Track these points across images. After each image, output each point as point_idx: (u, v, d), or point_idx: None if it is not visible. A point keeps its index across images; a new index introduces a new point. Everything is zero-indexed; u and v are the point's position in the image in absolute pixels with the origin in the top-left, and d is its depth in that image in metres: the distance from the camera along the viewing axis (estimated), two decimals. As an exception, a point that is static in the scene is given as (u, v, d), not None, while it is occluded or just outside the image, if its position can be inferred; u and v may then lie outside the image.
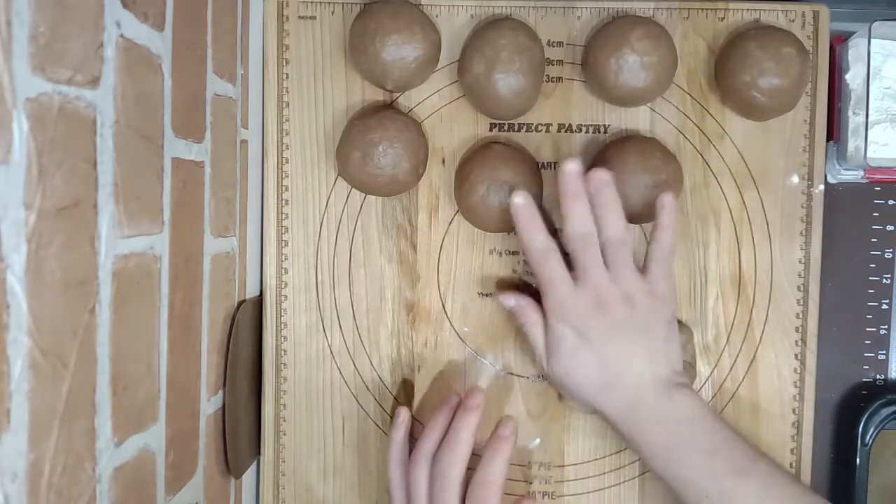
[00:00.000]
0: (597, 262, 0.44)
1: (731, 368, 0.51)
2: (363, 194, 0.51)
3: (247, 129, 0.49)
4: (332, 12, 0.51)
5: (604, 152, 0.49)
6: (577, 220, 0.44)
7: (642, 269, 0.45)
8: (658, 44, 0.46)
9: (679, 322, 0.50)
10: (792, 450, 0.51)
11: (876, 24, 0.47)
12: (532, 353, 0.48)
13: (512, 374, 0.51)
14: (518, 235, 0.45)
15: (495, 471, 0.44)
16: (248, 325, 0.49)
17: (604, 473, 0.51)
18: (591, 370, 0.44)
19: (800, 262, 0.50)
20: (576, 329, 0.44)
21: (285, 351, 0.51)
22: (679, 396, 0.43)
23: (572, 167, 0.44)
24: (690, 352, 0.49)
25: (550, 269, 0.44)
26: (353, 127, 0.47)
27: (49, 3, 0.26)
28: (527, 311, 0.47)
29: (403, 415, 0.48)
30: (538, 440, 0.51)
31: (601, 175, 0.44)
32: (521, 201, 0.45)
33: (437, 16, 0.50)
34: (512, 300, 0.48)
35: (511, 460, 0.46)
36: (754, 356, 0.51)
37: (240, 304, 0.48)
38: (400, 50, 0.46)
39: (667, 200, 0.44)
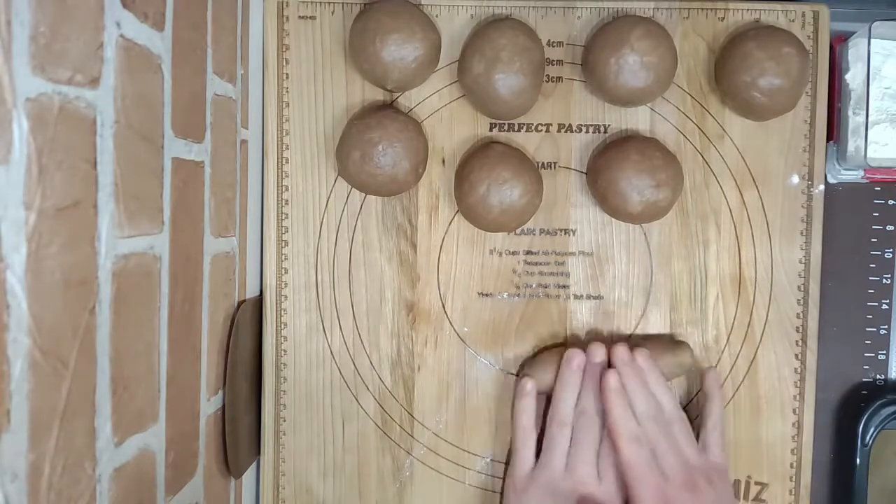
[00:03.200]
0: (671, 441, 0.45)
1: (732, 368, 0.51)
2: (363, 194, 0.51)
3: (247, 129, 0.49)
4: (332, 12, 0.51)
5: (604, 152, 0.49)
6: (645, 400, 0.45)
7: (701, 441, 0.47)
8: (658, 44, 0.46)
9: (674, 338, 0.50)
10: (792, 450, 0.51)
11: (876, 24, 0.47)
12: None
13: (511, 374, 0.51)
14: (609, 419, 0.45)
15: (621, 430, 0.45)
16: (248, 325, 0.49)
17: (604, 473, 0.51)
18: None
19: (800, 262, 0.50)
20: None
21: (285, 351, 0.51)
22: None
23: (624, 352, 0.47)
24: (687, 366, 0.49)
25: (645, 456, 0.44)
26: (353, 127, 0.47)
27: (49, 3, 0.26)
28: None
29: (531, 385, 0.48)
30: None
31: (643, 357, 0.47)
32: (615, 384, 0.46)
33: (437, 16, 0.50)
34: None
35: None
36: (754, 356, 0.51)
37: (240, 304, 0.48)
38: (400, 50, 0.46)
39: (709, 375, 0.48)
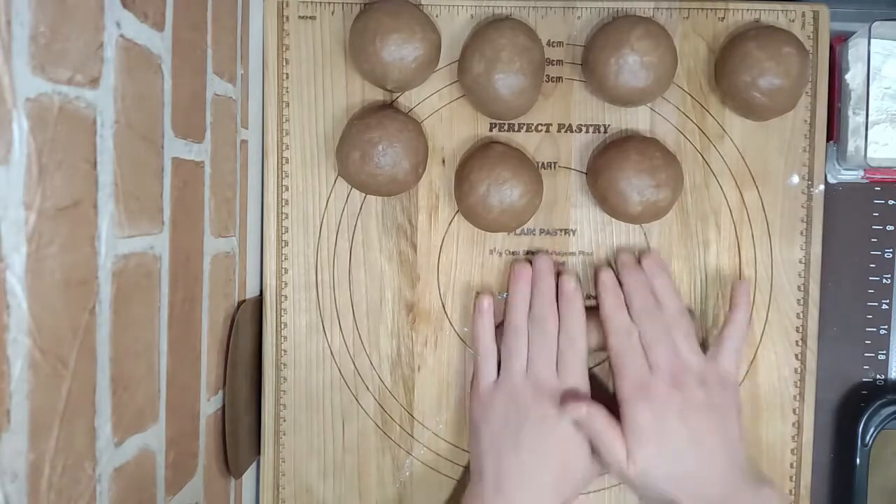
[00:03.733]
0: (667, 339, 0.45)
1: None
2: (363, 194, 0.51)
3: (247, 129, 0.49)
4: (332, 12, 0.51)
5: (604, 152, 0.49)
6: (642, 296, 0.46)
7: (712, 348, 0.46)
8: (658, 44, 0.46)
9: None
10: (792, 450, 0.51)
11: (876, 24, 0.47)
12: (607, 461, 0.44)
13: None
14: (602, 313, 0.47)
15: (575, 321, 0.46)
16: (248, 325, 0.49)
17: (604, 473, 0.51)
18: (678, 456, 0.43)
19: (800, 262, 0.50)
20: (656, 412, 0.43)
21: (285, 351, 0.51)
22: (767, 489, 0.43)
23: (627, 256, 0.49)
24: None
25: (631, 347, 0.45)
26: (353, 127, 0.47)
27: (49, 3, 0.26)
28: (600, 415, 0.44)
29: (487, 301, 0.49)
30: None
31: (652, 260, 0.48)
32: (608, 279, 0.47)
33: (437, 16, 0.50)
34: (584, 409, 0.44)
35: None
36: (754, 356, 0.51)
37: (240, 304, 0.48)
38: (400, 50, 0.46)
39: (740, 286, 0.48)
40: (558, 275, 0.48)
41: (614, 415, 0.44)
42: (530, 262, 0.49)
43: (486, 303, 0.49)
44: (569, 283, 0.48)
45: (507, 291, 0.49)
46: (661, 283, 0.47)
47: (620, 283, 0.48)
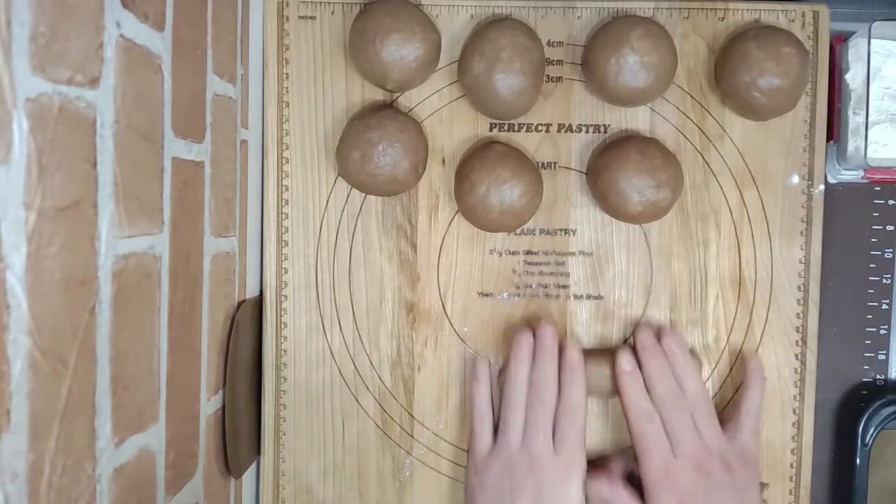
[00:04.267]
0: (689, 424, 0.45)
1: (732, 369, 0.51)
2: (363, 194, 0.51)
3: (247, 129, 0.49)
4: (332, 12, 0.51)
5: (604, 152, 0.49)
6: (663, 382, 0.46)
7: (731, 425, 0.46)
8: (658, 44, 0.46)
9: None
10: (792, 450, 0.51)
11: (876, 24, 0.47)
12: None
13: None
14: (622, 399, 0.46)
15: (575, 393, 0.46)
16: (248, 325, 0.49)
17: None
18: None
19: (800, 262, 0.50)
20: (682, 498, 0.43)
21: (285, 351, 0.51)
22: None
23: (648, 336, 0.47)
24: None
25: (654, 432, 0.45)
26: (353, 127, 0.47)
27: (49, 3, 0.26)
28: (623, 495, 0.46)
29: (483, 367, 0.49)
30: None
31: (674, 342, 0.47)
32: (628, 366, 0.47)
33: (437, 16, 0.50)
34: (606, 488, 0.46)
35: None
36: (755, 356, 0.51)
37: (240, 304, 0.48)
38: (400, 50, 0.46)
39: (753, 363, 0.48)
40: (560, 345, 0.48)
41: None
42: (533, 330, 0.48)
43: (482, 370, 0.49)
44: (572, 354, 0.47)
45: (509, 357, 0.48)
46: (682, 364, 0.47)
47: (639, 362, 0.47)
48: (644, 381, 0.46)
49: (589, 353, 0.49)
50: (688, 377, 0.46)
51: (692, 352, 0.50)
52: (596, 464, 0.48)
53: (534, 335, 0.48)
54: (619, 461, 0.49)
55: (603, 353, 0.49)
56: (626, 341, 0.51)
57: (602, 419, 0.51)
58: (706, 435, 0.45)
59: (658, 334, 0.48)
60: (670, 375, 0.46)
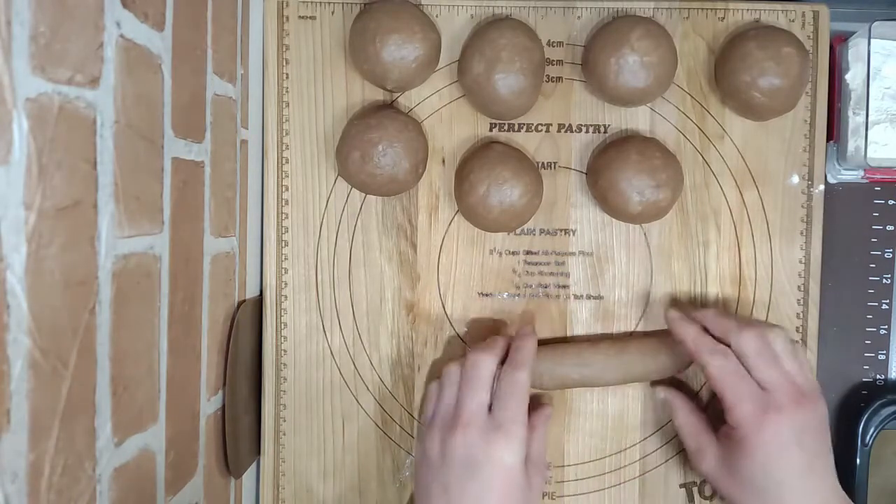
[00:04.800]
0: (769, 354, 0.43)
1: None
2: (363, 194, 0.51)
3: (247, 129, 0.49)
4: (332, 12, 0.51)
5: (604, 152, 0.49)
6: (721, 322, 0.45)
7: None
8: (658, 44, 0.46)
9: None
10: (792, 450, 0.50)
11: (876, 24, 0.47)
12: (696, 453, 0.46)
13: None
14: (688, 345, 0.45)
15: (519, 355, 0.45)
16: (248, 325, 0.49)
17: (604, 474, 0.51)
18: (795, 458, 0.41)
19: (800, 262, 0.50)
20: (789, 426, 0.41)
21: (285, 351, 0.51)
22: None
23: (712, 313, 0.46)
24: (686, 363, 0.49)
25: (735, 369, 0.43)
26: (353, 127, 0.47)
27: (49, 3, 0.26)
28: (682, 407, 0.47)
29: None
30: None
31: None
32: (676, 315, 0.46)
33: (437, 16, 0.50)
34: (662, 393, 0.48)
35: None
36: (754, 356, 0.50)
37: (240, 304, 0.48)
38: (400, 50, 0.46)
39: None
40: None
41: None
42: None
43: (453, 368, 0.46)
44: (525, 328, 0.48)
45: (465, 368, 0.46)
46: (731, 317, 0.45)
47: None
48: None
49: (592, 344, 0.49)
50: (744, 318, 0.45)
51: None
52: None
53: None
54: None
55: (606, 343, 0.49)
56: (630, 334, 0.51)
57: (601, 420, 0.51)
58: (787, 365, 0.43)
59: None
60: (724, 318, 0.45)
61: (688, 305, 0.50)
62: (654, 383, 0.50)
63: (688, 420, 0.47)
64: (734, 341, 0.43)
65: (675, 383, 0.48)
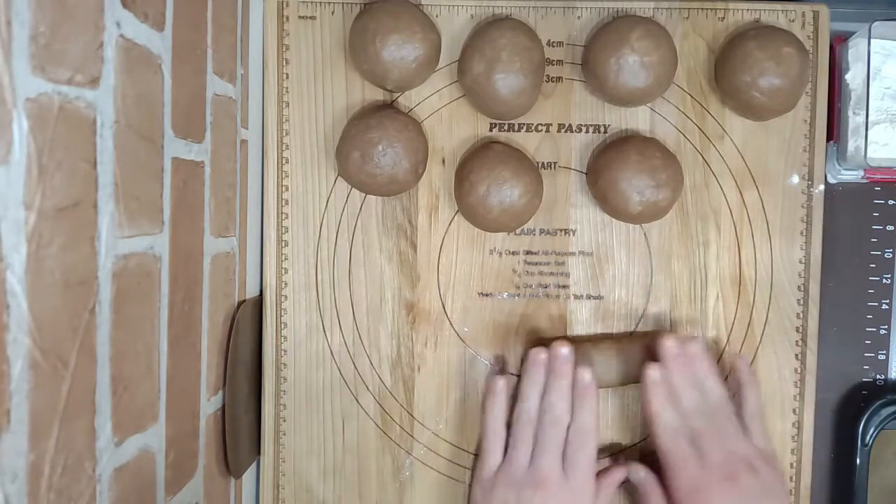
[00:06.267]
0: (716, 432, 0.44)
1: (732, 368, 0.51)
2: (363, 194, 0.51)
3: (247, 129, 0.49)
4: (332, 12, 0.51)
5: (604, 152, 0.49)
6: (689, 392, 0.45)
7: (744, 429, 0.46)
8: (658, 44, 0.46)
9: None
10: (792, 450, 0.51)
11: (876, 24, 0.47)
12: None
13: (512, 374, 0.51)
14: (649, 409, 0.46)
15: (587, 417, 0.45)
16: (248, 325, 0.49)
17: (604, 473, 0.51)
18: None
19: (800, 262, 0.50)
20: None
21: (285, 351, 0.51)
22: None
23: (673, 343, 0.46)
24: None
25: (683, 446, 0.44)
26: (353, 127, 0.47)
27: (49, 3, 0.26)
28: (655, 495, 0.46)
29: (502, 382, 0.48)
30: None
31: (696, 347, 0.46)
32: (657, 376, 0.46)
33: (437, 16, 0.50)
34: (642, 472, 0.47)
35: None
36: (754, 356, 0.51)
37: (240, 304, 0.48)
38: (400, 50, 0.46)
39: (741, 364, 0.48)
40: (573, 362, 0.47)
41: None
42: (545, 346, 0.48)
43: (501, 384, 0.48)
44: (584, 375, 0.46)
45: (521, 375, 0.48)
46: (706, 371, 0.46)
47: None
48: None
49: (594, 344, 0.49)
50: (710, 382, 0.46)
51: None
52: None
53: (548, 346, 0.48)
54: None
55: (607, 343, 0.49)
56: (631, 334, 0.51)
57: (601, 420, 0.51)
58: (731, 442, 0.45)
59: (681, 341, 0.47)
60: (696, 384, 0.46)
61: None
62: (639, 459, 0.50)
63: None
64: (682, 413, 0.45)
65: (656, 467, 0.47)
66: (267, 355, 0.51)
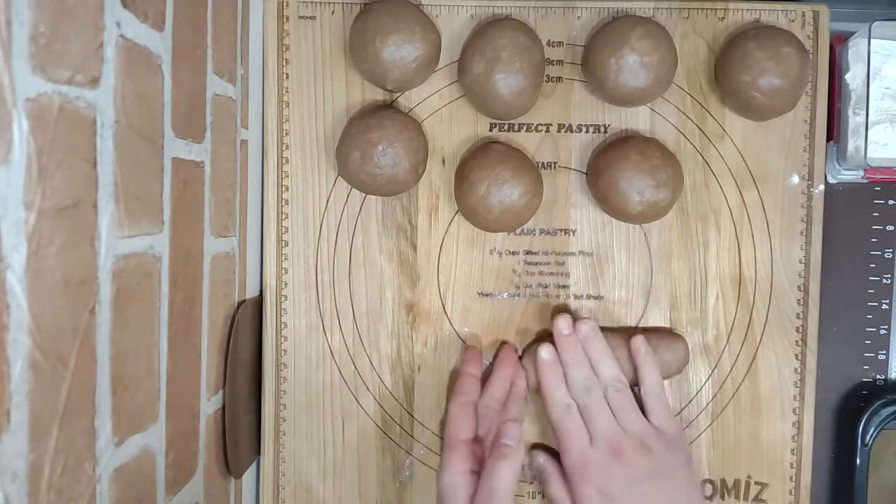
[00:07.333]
0: (603, 408, 0.45)
1: (732, 368, 0.51)
2: (363, 194, 0.51)
3: (247, 129, 0.49)
4: (332, 12, 0.51)
5: (604, 152, 0.49)
6: (577, 369, 0.46)
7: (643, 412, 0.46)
8: (658, 44, 0.46)
9: (672, 332, 0.50)
10: (792, 450, 0.51)
11: (876, 24, 0.47)
12: None
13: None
14: (541, 389, 0.47)
15: (501, 477, 0.42)
16: (248, 325, 0.49)
17: None
18: None
19: (800, 262, 0.50)
20: (599, 488, 0.42)
21: (285, 351, 0.51)
22: None
23: (563, 324, 0.47)
24: (683, 361, 0.49)
25: (571, 422, 0.45)
26: (353, 127, 0.47)
27: (49, 3, 0.26)
28: (553, 477, 0.46)
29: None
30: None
31: (586, 327, 0.47)
32: (547, 356, 0.47)
33: (437, 16, 0.50)
34: (541, 458, 0.48)
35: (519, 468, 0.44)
36: (754, 356, 0.51)
37: (240, 304, 0.48)
38: (400, 50, 0.46)
39: (638, 343, 0.47)
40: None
41: None
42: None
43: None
44: (520, 383, 0.48)
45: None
46: (596, 349, 0.47)
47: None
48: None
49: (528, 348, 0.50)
50: (602, 361, 0.46)
51: (672, 331, 0.50)
52: None
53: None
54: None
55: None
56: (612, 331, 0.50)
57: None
58: (621, 417, 0.45)
59: (574, 321, 0.48)
60: (585, 362, 0.46)
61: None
62: (534, 446, 0.50)
63: (560, 492, 0.46)
64: (572, 391, 0.46)
65: (554, 452, 0.47)
66: (267, 355, 0.51)
